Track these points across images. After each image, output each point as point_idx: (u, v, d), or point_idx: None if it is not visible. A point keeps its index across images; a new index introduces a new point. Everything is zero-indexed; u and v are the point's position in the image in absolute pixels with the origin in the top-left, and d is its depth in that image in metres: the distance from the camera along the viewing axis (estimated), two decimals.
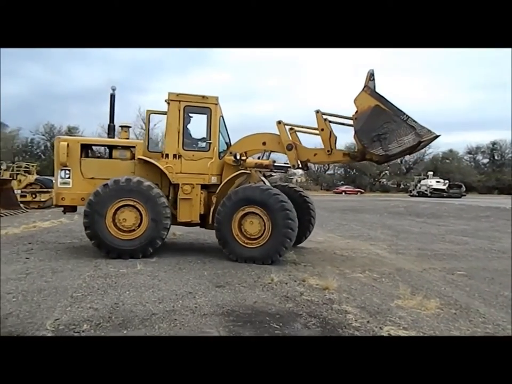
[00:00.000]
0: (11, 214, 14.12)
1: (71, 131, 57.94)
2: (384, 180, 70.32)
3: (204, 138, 7.67)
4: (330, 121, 7.25)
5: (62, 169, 7.18)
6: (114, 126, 7.97)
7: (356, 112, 6.71)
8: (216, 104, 7.43)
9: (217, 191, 7.30)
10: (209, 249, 8.27)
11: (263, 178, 7.96)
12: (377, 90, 6.56)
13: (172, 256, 7.15)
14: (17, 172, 19.42)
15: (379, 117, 6.23)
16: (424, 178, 55.00)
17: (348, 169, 67.81)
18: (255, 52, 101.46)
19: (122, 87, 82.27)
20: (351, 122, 6.98)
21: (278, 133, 7.57)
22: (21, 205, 15.94)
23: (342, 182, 66.27)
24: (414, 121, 6.22)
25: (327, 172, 69.51)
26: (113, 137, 8.05)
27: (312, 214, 8.63)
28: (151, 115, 7.76)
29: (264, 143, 7.68)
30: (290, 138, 7.56)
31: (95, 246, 6.81)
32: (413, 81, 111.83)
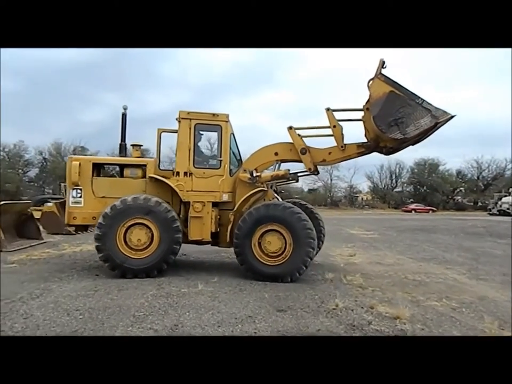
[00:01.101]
0: (86, 232, 14.98)
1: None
2: (459, 197, 65.52)
3: (214, 155, 7.74)
4: (338, 120, 7.35)
5: (73, 189, 7.22)
6: (125, 145, 8.03)
7: (368, 101, 6.86)
8: (226, 121, 7.43)
9: (234, 209, 7.29)
10: None
11: (276, 195, 8.03)
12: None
13: (233, 277, 7.05)
14: None
15: (395, 102, 6.38)
16: (505, 195, 50.33)
17: (418, 186, 64.27)
18: (317, 71, 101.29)
19: (192, 109, 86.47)
20: (359, 116, 7.25)
21: (290, 140, 7.62)
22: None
23: (411, 200, 62.71)
24: (428, 103, 6.33)
25: (395, 190, 66.47)
26: (125, 156, 8.07)
27: (322, 231, 8.81)
28: (162, 133, 7.74)
29: (276, 154, 7.70)
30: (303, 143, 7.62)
31: (110, 268, 6.77)
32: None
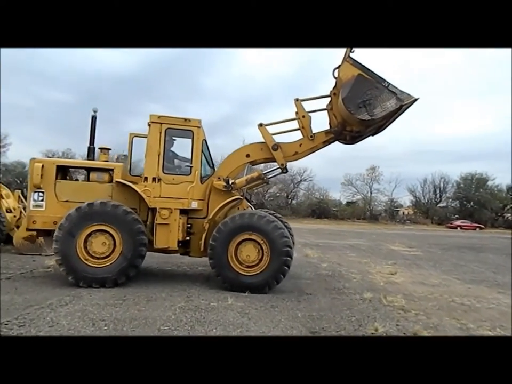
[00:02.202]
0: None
1: None
2: (509, 214, 61.71)
3: (185, 158, 7.53)
4: (309, 111, 7.45)
5: (35, 191, 6.89)
6: (94, 148, 7.80)
7: (335, 86, 7.10)
8: (198, 127, 7.27)
9: (209, 217, 7.11)
10: (306, 285, 7.67)
11: (249, 204, 7.92)
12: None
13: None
14: None
15: (363, 84, 6.56)
16: None
17: (465, 202, 61.19)
18: None
19: (231, 120, 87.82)
20: (324, 106, 7.47)
21: (261, 136, 7.50)
22: None
23: (456, 216, 59.80)
24: (394, 87, 6.54)
25: (439, 205, 63.64)
26: (93, 160, 7.77)
27: (292, 239, 8.40)
28: (134, 138, 7.64)
29: (248, 155, 7.60)
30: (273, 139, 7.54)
31: (64, 273, 6.43)
32: None
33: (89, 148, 7.76)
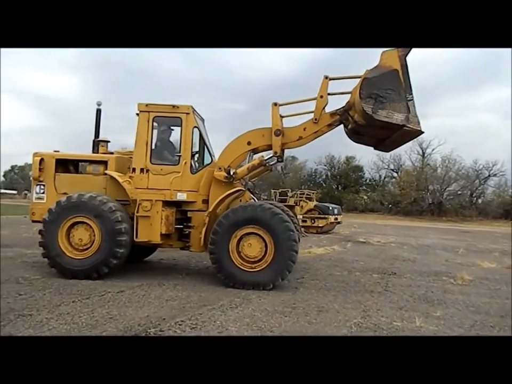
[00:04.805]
0: None
1: (348, 160, 61.93)
2: None
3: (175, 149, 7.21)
4: (329, 94, 6.87)
5: (37, 184, 7.14)
6: (98, 141, 7.89)
7: (373, 69, 6.36)
8: (187, 113, 6.89)
9: (209, 210, 6.67)
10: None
11: (252, 196, 7.39)
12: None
13: (457, 309, 5.34)
14: (300, 199, 21.35)
15: (391, 81, 6.12)
16: None
17: None
18: None
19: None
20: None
21: (272, 115, 6.97)
22: (302, 229, 17.16)
23: None
24: (414, 106, 6.08)
25: None
26: (97, 153, 7.74)
27: (297, 229, 7.84)
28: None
29: (249, 143, 7.09)
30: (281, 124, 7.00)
31: (50, 266, 6.52)
32: None
33: (93, 141, 8.02)
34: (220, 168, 6.96)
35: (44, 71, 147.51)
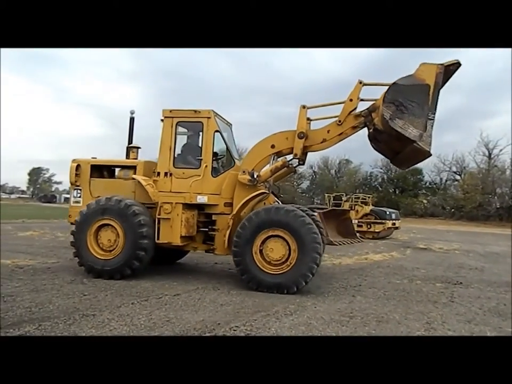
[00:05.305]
0: (348, 243, 14.85)
1: None
2: None
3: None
4: (361, 99, 6.82)
5: (74, 189, 7.72)
6: (129, 147, 8.27)
7: (407, 75, 6.18)
8: (208, 118, 7.05)
9: (233, 213, 6.75)
10: None
11: (276, 199, 7.27)
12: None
13: None
14: (355, 203, 20.74)
15: (419, 95, 5.93)
16: None
17: None
18: None
19: (464, 113, 77.63)
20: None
21: (298, 117, 6.99)
22: (357, 234, 16.65)
23: None
24: (431, 126, 5.91)
25: None
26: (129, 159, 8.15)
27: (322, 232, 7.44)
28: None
29: (273, 146, 7.12)
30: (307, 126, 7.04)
31: (79, 265, 6.94)
32: None
33: (127, 148, 8.37)
34: (243, 172, 7.02)
35: (104, 81, 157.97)
